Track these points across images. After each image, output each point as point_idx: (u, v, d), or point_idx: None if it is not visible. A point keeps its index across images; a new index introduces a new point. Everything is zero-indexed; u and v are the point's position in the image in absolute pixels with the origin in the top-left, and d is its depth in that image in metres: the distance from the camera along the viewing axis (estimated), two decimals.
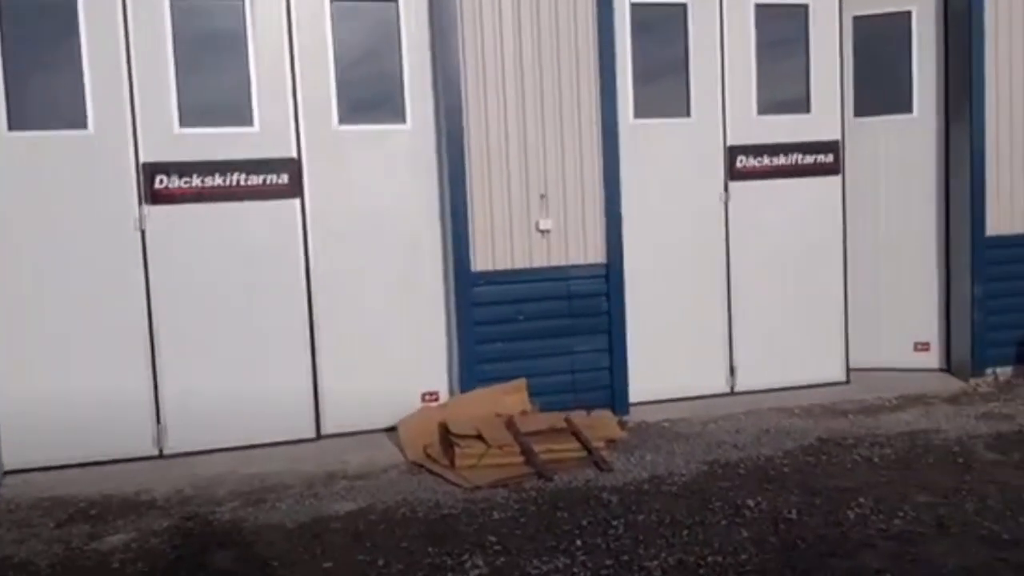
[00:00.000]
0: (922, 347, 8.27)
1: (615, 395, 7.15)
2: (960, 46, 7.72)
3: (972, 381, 7.85)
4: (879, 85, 8.15)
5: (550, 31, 6.85)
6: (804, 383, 7.87)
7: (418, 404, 6.86)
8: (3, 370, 6.23)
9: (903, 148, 8.10)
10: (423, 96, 6.85)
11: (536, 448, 5.96)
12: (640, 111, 7.36)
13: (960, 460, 5.78)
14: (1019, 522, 4.72)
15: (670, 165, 7.47)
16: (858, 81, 8.10)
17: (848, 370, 7.99)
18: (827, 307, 7.91)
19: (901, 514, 4.88)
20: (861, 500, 5.09)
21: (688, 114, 7.50)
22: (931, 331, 8.24)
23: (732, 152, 7.59)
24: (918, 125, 8.05)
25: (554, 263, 6.93)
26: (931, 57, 7.94)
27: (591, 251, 7.02)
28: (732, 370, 7.77)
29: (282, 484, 5.93)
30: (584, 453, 6.05)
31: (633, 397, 7.29)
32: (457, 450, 5.93)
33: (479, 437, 5.99)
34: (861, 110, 8.13)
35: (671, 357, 7.57)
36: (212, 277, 6.58)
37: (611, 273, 7.07)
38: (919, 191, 8.09)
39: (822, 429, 6.74)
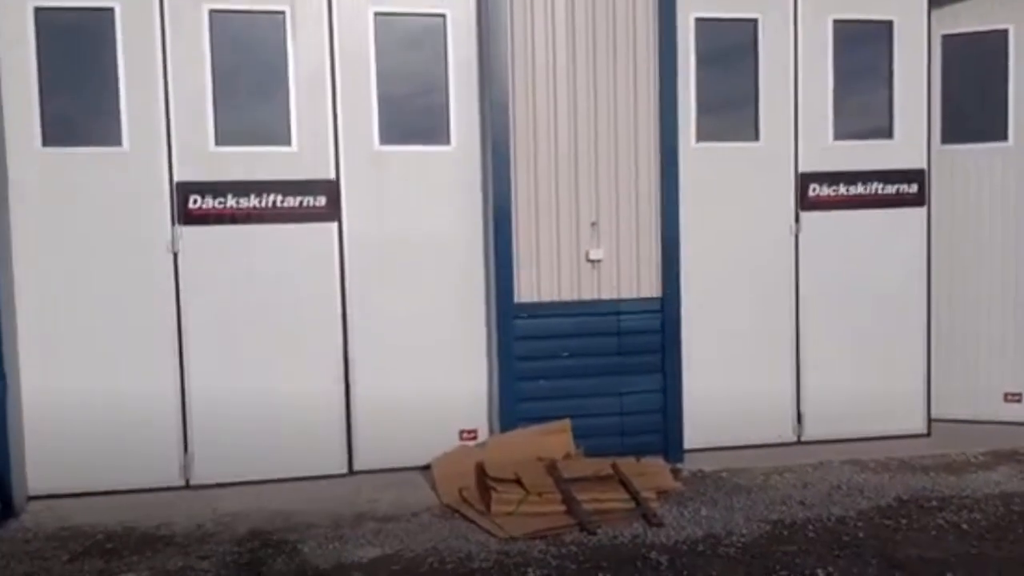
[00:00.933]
0: (1013, 398, 7.48)
1: (668, 440, 6.58)
2: None
3: None
4: (970, 110, 7.48)
5: (606, 47, 6.40)
6: (879, 434, 7.17)
7: (455, 442, 6.41)
8: (33, 393, 6.01)
9: (995, 179, 7.39)
10: (469, 116, 6.47)
11: (579, 497, 5.44)
12: (703, 134, 6.84)
13: None
14: None
15: (735, 193, 6.92)
16: (946, 105, 7.44)
17: (930, 421, 7.25)
18: (907, 351, 7.21)
19: None
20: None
21: (756, 138, 6.95)
22: (1022, 380, 7.44)
23: (804, 180, 7.00)
24: (1013, 154, 7.33)
25: (604, 296, 6.43)
26: None
27: (645, 284, 6.49)
28: (799, 417, 7.12)
29: (306, 523, 5.54)
30: (632, 504, 5.49)
31: (688, 443, 6.70)
32: (494, 495, 5.45)
33: (518, 482, 5.51)
34: (950, 137, 7.45)
35: (731, 401, 6.96)
36: (244, 303, 6.27)
37: (667, 308, 6.53)
38: (1013, 226, 7.35)
39: (900, 487, 6.05)
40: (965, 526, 5.19)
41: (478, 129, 6.47)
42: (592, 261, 6.40)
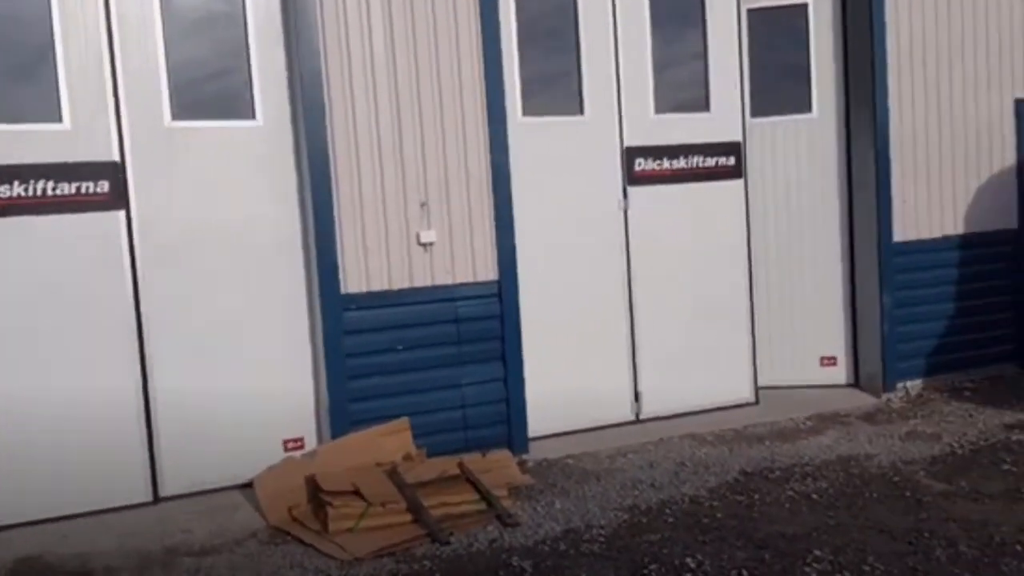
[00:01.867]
0: (828, 361, 7.79)
1: (512, 431, 6.22)
2: (860, 41, 7.30)
3: (884, 396, 7.40)
4: (776, 83, 7.65)
5: (425, 14, 5.88)
6: (712, 406, 7.20)
7: (280, 454, 5.69)
8: None
9: (802, 150, 7.62)
10: (277, 88, 5.74)
11: (426, 502, 4.95)
12: (529, 108, 6.51)
13: (907, 493, 5.17)
14: (1001, 570, 4.09)
15: (564, 169, 6.65)
16: (755, 79, 7.57)
17: (757, 390, 7.38)
18: (732, 323, 7.28)
19: (868, 569, 4.16)
20: (817, 553, 4.35)
21: (581, 111, 6.71)
22: (838, 344, 7.76)
23: (630, 154, 6.85)
24: (818, 125, 7.58)
25: (439, 282, 5.95)
26: (829, 53, 7.49)
27: (481, 267, 6.08)
28: (637, 396, 7.01)
29: (107, 568, 4.67)
30: (484, 505, 5.08)
31: (532, 431, 6.39)
32: (330, 511, 4.84)
33: (356, 493, 4.93)
34: (759, 110, 7.59)
35: (571, 384, 6.72)
36: (17, 306, 5.25)
37: (504, 292, 6.16)
38: (820, 195, 7.62)
39: (742, 459, 6.05)
40: (815, 496, 5.21)
41: (287, 102, 5.75)
42: (424, 244, 5.89)
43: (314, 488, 5.05)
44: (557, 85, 6.71)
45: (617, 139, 6.82)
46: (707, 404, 7.19)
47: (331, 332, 5.60)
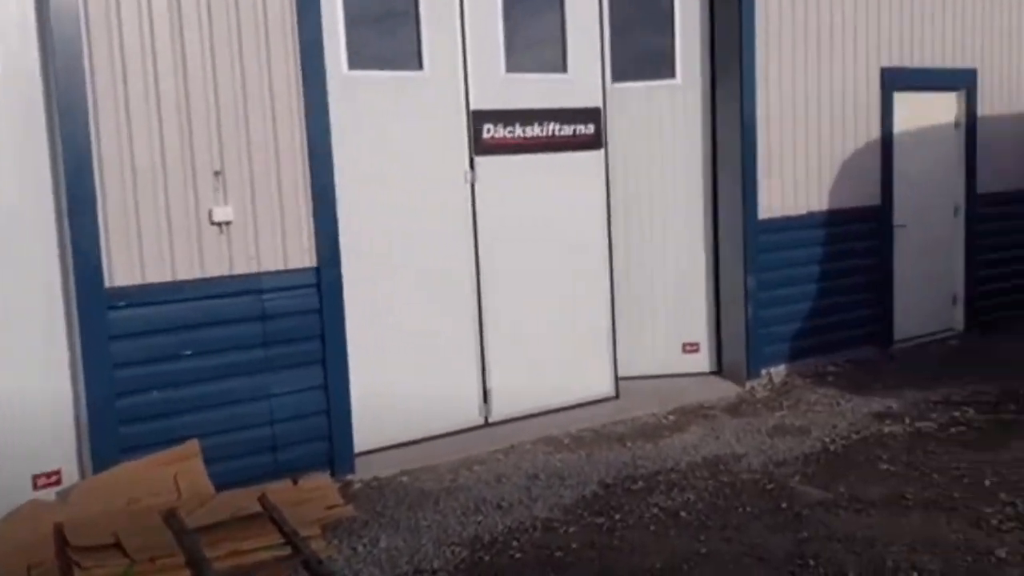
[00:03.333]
0: (691, 348, 7.21)
1: (335, 448, 5.23)
2: (727, 6, 6.67)
3: (748, 384, 6.88)
4: (638, 45, 6.93)
5: None
6: (570, 403, 6.47)
7: (28, 494, 4.45)
8: None
9: (665, 119, 6.95)
10: (22, 21, 4.44)
11: (212, 552, 3.89)
12: (357, 59, 5.48)
13: (783, 504, 4.55)
14: None
15: (399, 134, 5.67)
16: (616, 42, 6.82)
17: (617, 382, 6.70)
18: (591, 310, 6.55)
19: None
20: None
21: (420, 66, 5.73)
22: (700, 330, 7.19)
23: (477, 118, 5.94)
24: (681, 93, 6.92)
25: (239, 271, 4.84)
26: (695, 14, 6.82)
27: (294, 252, 5.02)
28: (486, 396, 6.16)
29: None
30: (288, 550, 4.07)
31: (360, 444, 5.43)
32: (77, 573, 3.71)
33: (117, 546, 3.82)
34: (620, 75, 6.85)
35: (409, 387, 5.79)
36: None
37: (324, 282, 5.13)
38: (684, 169, 6.99)
39: (602, 466, 5.33)
40: (683, 513, 4.51)
41: (35, 39, 4.46)
42: (218, 224, 4.76)
43: (61, 541, 3.89)
44: (392, 31, 5.70)
45: (463, 100, 5.89)
46: (565, 401, 6.45)
47: (91, 337, 4.38)
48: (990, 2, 8.05)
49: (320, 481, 4.83)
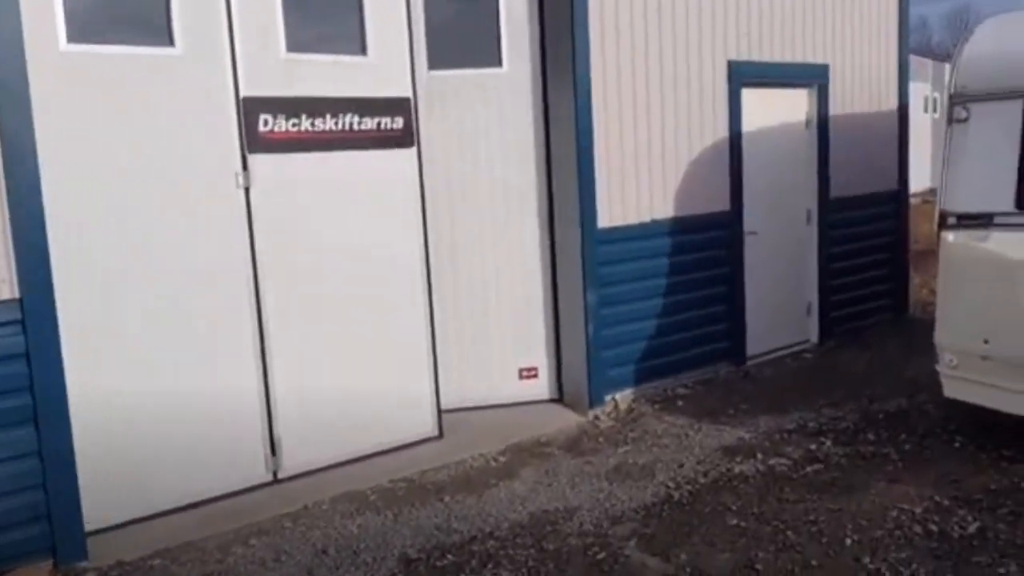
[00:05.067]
0: (529, 373, 6.36)
1: (56, 529, 4.04)
2: None
3: (591, 413, 6.09)
4: (458, 27, 6.02)
5: None
6: (384, 446, 5.49)
7: None
8: None
9: (492, 114, 6.06)
10: None
11: None
12: (79, 32, 4.28)
13: None
14: None
15: (143, 128, 4.51)
16: (432, 20, 5.87)
17: (440, 419, 5.75)
18: (407, 337, 5.58)
19: None
20: None
21: (171, 41, 4.59)
22: (539, 353, 6.35)
23: (251, 108, 4.85)
24: (508, 83, 6.05)
25: None
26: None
27: None
28: (273, 446, 5.07)
29: None
30: None
31: (102, 519, 4.29)
32: None
33: None
34: (437, 60, 5.91)
35: (170, 441, 4.66)
36: None
37: (31, 317, 3.92)
38: (516, 171, 6.12)
39: (409, 532, 4.38)
40: None
41: None
42: None
43: None
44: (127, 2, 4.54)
45: (230, 85, 4.79)
46: (376, 445, 5.45)
47: None
48: None
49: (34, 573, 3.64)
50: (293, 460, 5.13)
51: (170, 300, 4.61)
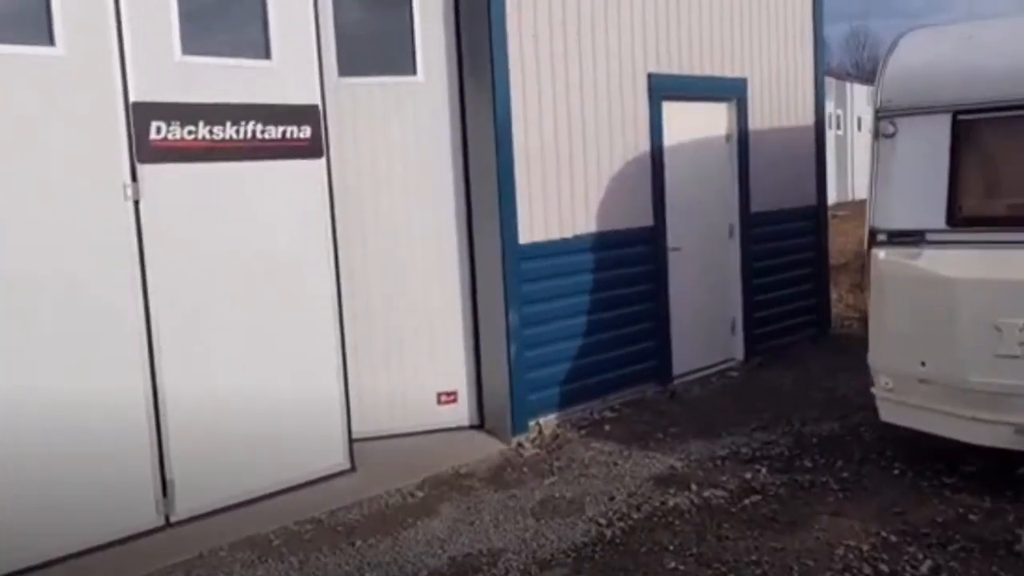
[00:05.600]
0: (448, 398, 6.01)
1: None
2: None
3: (514, 440, 5.78)
4: (371, 35, 5.66)
5: None
6: (290, 483, 5.04)
7: None
8: None
9: (407, 123, 5.71)
10: None
11: None
12: None
13: None
14: None
15: (18, 136, 3.99)
16: (342, 24, 5.50)
17: (351, 449, 5.33)
18: (315, 361, 5.15)
19: None
20: None
21: (50, 41, 4.08)
22: (458, 376, 6.01)
23: (142, 114, 4.37)
24: (424, 92, 5.71)
25: None
26: (438, 3, 5.64)
27: None
28: (165, 487, 4.57)
29: None
30: None
31: None
32: None
33: None
34: (348, 67, 5.53)
35: (34, 487, 4.12)
36: None
37: None
38: (431, 184, 5.78)
39: None
40: None
41: None
42: None
43: None
44: None
45: (119, 89, 4.31)
46: (282, 482, 5.01)
47: None
48: (760, 7, 7.53)
49: None
50: (187, 502, 4.64)
51: (45, 324, 4.08)
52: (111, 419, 4.34)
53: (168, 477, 4.57)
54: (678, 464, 5.26)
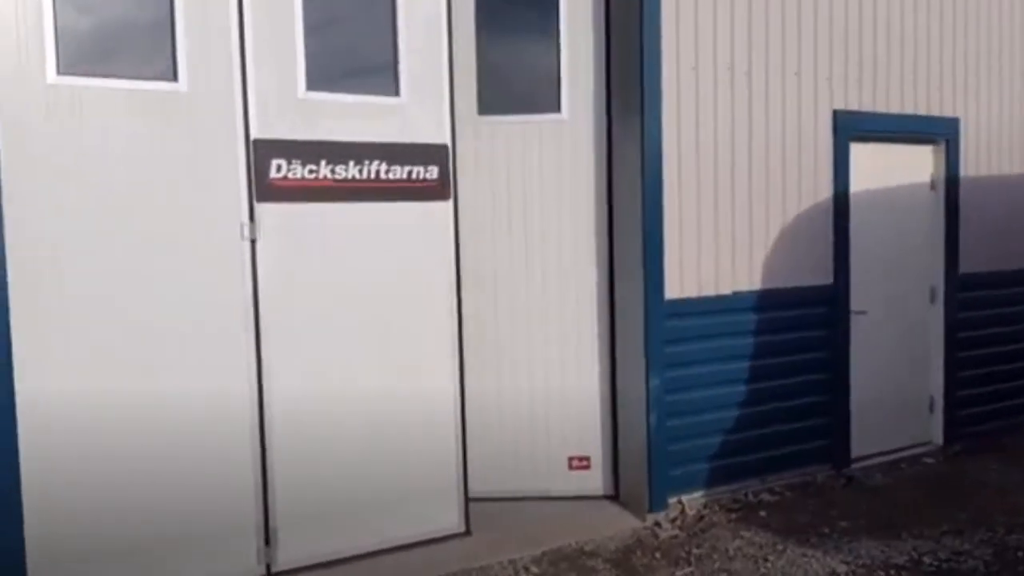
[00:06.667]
0: (580, 464, 5.49)
1: None
2: (626, 24, 5.11)
3: (651, 518, 5.15)
4: (512, 66, 5.38)
5: None
6: (399, 541, 4.72)
7: None
8: None
9: (546, 165, 5.34)
10: None
11: None
12: (73, 63, 3.87)
13: None
14: None
15: (135, 169, 4.03)
16: (484, 67, 5.26)
17: (467, 512, 4.94)
18: (433, 415, 4.83)
19: None
20: None
21: (174, 77, 4.12)
22: (592, 440, 5.48)
23: (262, 151, 4.31)
24: (569, 131, 5.32)
25: None
26: (587, 28, 5.27)
27: None
28: (268, 537, 4.40)
29: None
30: None
31: None
32: None
33: None
34: (487, 105, 5.27)
35: (137, 530, 4.06)
36: None
37: None
38: (571, 230, 5.35)
39: None
40: None
41: None
42: None
43: None
44: (127, 30, 4.09)
45: (240, 125, 4.27)
46: (389, 539, 4.71)
47: None
48: (975, 36, 6.52)
49: None
50: (290, 553, 4.44)
51: (158, 368, 4.06)
52: (220, 465, 4.23)
53: (272, 525, 4.40)
54: (841, 569, 4.41)
